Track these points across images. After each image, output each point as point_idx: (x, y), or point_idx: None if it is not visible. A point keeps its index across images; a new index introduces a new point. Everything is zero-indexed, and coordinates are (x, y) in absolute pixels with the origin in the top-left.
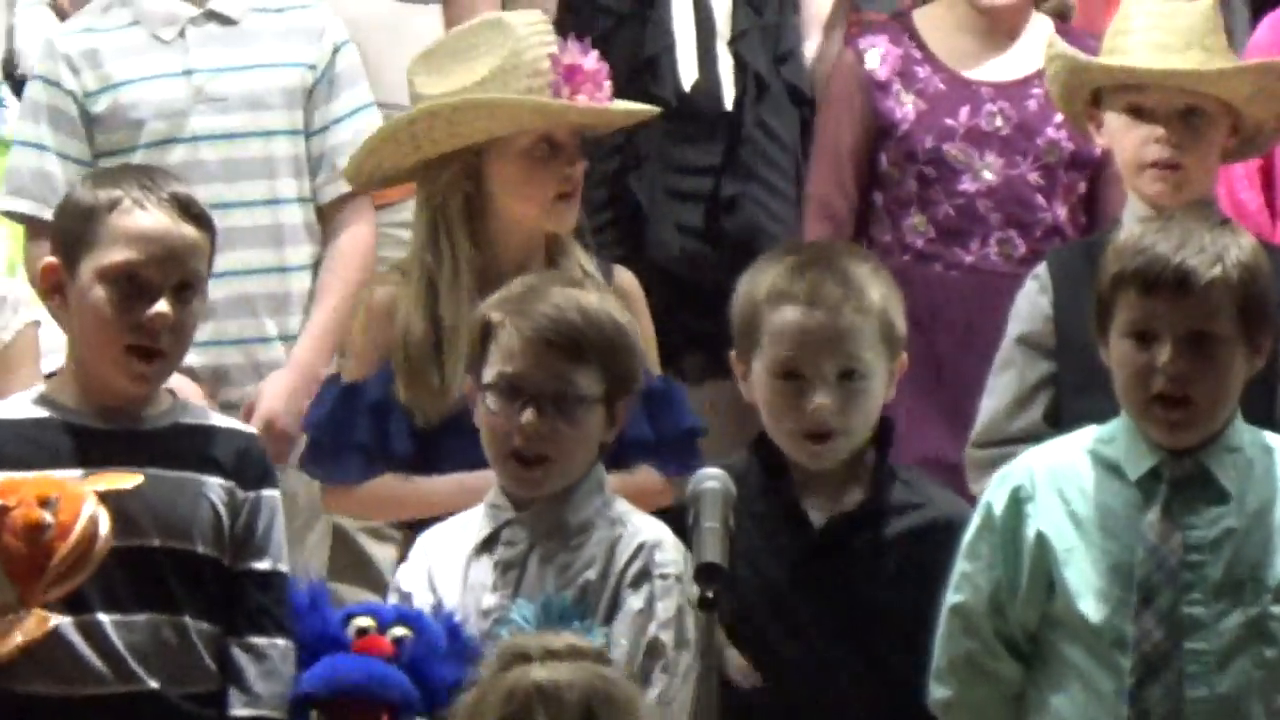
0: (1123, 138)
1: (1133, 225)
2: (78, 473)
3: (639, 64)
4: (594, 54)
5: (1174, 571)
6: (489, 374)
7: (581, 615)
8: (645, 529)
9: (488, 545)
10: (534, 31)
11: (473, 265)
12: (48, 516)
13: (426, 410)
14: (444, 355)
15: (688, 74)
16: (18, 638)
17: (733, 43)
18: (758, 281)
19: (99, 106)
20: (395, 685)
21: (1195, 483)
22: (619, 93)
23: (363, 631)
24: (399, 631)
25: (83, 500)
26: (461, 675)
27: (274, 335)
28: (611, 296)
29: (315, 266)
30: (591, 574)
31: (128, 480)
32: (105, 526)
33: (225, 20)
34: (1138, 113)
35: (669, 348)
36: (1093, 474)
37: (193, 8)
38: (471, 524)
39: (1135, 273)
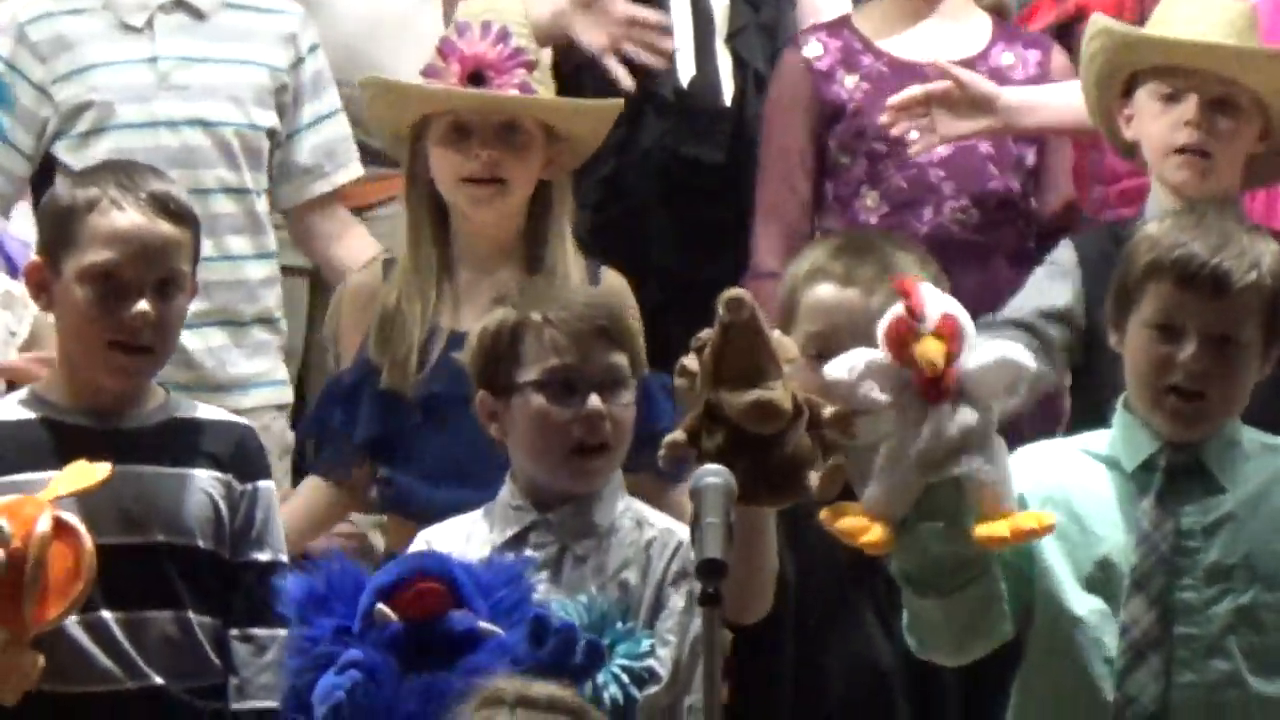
0: (1152, 123)
1: (1168, 216)
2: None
3: (638, 62)
4: (505, 44)
5: (1166, 557)
6: (530, 374)
7: (623, 616)
8: (676, 529)
9: (513, 545)
10: (470, 15)
11: (437, 247)
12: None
13: (393, 376)
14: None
15: (685, 71)
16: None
17: (730, 39)
18: (799, 263)
19: (66, 91)
20: (457, 567)
21: (1190, 473)
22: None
23: None
24: None
25: (36, 518)
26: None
27: (248, 319)
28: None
29: (263, 256)
30: (631, 575)
31: (92, 474)
32: (85, 539)
33: (195, 12)
34: (1171, 99)
35: (668, 346)
36: (1087, 467)
37: None
38: (478, 524)
39: (1172, 265)
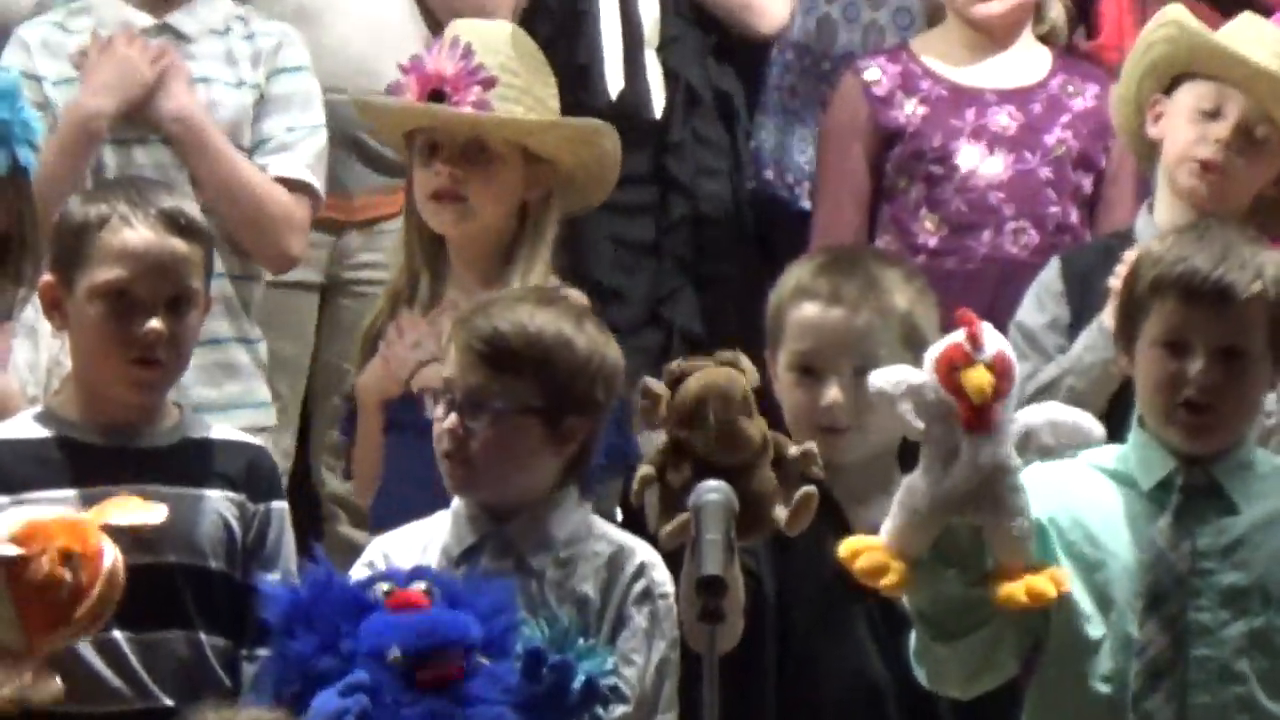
0: (1182, 129)
1: (1169, 233)
2: (75, 492)
3: (572, 72)
4: (467, 61)
5: (1182, 578)
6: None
7: (583, 632)
8: (638, 547)
9: (469, 556)
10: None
11: (430, 266)
12: (68, 576)
13: None
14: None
15: (614, 83)
16: (12, 692)
17: (661, 49)
18: (785, 280)
19: (57, 95)
20: (472, 628)
21: (1206, 494)
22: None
23: (388, 593)
24: (421, 585)
25: (101, 555)
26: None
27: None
28: (576, 316)
29: (239, 277)
30: (590, 590)
31: (147, 512)
32: (121, 575)
33: (180, 35)
34: (1210, 115)
35: None
36: (1098, 484)
37: (149, 19)
38: (435, 532)
39: (1175, 281)
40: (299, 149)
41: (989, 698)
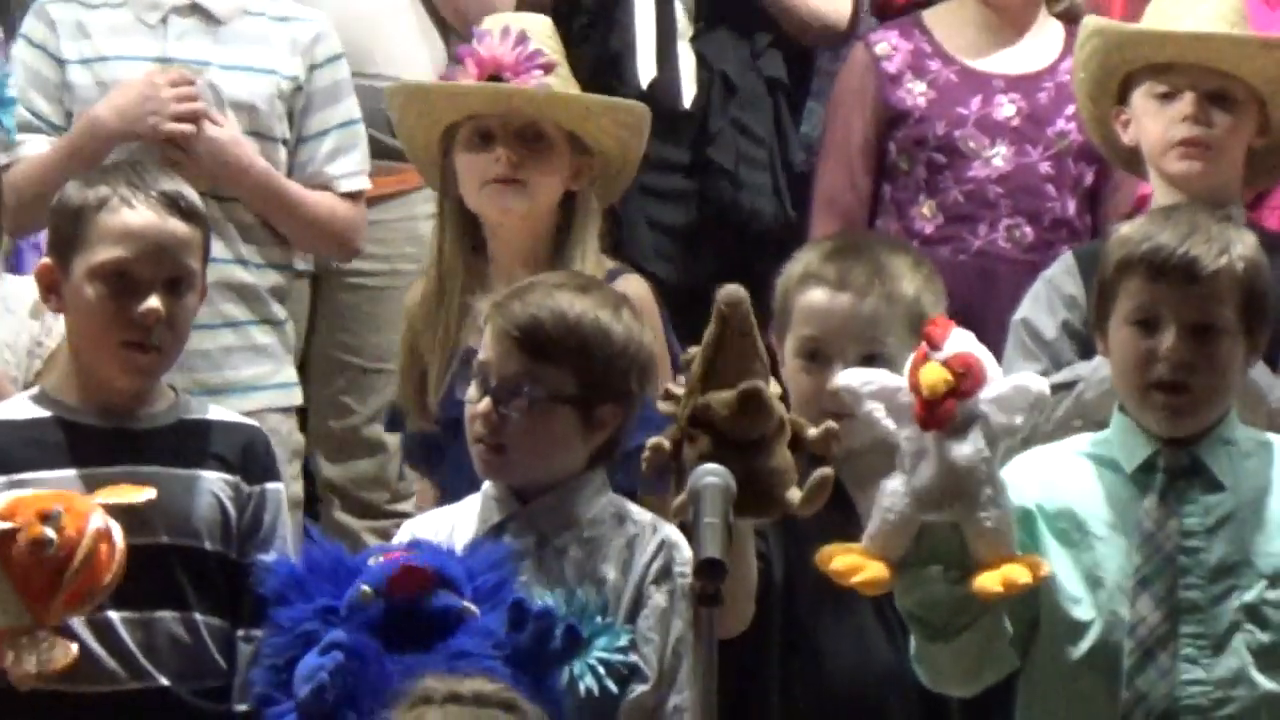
0: (1151, 122)
1: (1139, 217)
2: (73, 472)
3: (604, 61)
4: (524, 47)
5: (1170, 556)
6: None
7: (603, 610)
8: (661, 527)
9: (492, 536)
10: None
11: (465, 264)
12: (50, 532)
13: (413, 420)
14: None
15: (646, 72)
16: (31, 664)
17: (695, 39)
18: (793, 266)
19: (80, 78)
20: (446, 561)
21: (1190, 473)
22: (590, 90)
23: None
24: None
25: (89, 513)
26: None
27: (239, 320)
28: (614, 304)
29: (274, 266)
30: (610, 570)
31: (136, 494)
32: (119, 539)
33: (210, 17)
34: (1167, 97)
35: None
36: (1086, 471)
37: None
38: (464, 514)
39: (1141, 258)
40: (356, 152)
41: (994, 686)
